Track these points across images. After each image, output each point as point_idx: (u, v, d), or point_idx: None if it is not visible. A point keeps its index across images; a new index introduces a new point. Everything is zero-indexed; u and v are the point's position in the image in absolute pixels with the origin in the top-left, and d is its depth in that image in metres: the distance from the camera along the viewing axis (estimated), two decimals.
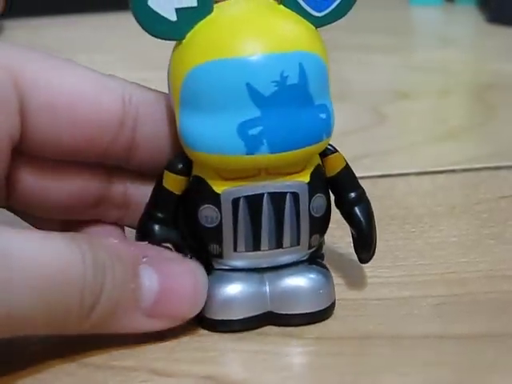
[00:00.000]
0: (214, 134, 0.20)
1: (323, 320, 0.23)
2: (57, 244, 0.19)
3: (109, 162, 0.23)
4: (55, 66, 0.22)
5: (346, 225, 0.23)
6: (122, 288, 0.19)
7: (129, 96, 0.22)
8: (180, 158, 0.22)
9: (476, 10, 0.69)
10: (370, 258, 0.24)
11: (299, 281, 0.22)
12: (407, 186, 0.33)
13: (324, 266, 0.23)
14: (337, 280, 0.24)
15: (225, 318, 0.22)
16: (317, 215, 0.22)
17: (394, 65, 0.55)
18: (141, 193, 0.24)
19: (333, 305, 0.23)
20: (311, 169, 0.22)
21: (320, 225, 0.22)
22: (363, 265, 0.24)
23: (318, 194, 0.22)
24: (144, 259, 0.20)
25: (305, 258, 0.23)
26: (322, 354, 0.22)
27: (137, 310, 0.20)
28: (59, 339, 0.21)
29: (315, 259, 0.23)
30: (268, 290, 0.22)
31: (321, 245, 0.23)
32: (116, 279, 0.19)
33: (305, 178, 0.22)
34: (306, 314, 0.22)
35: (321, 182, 0.22)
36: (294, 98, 0.20)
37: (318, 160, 0.22)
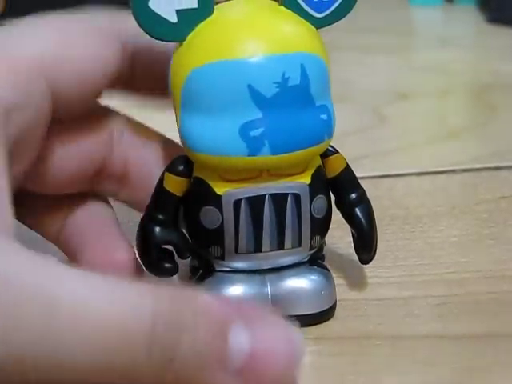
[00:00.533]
0: (216, 136, 0.20)
1: (325, 321, 0.23)
2: (123, 297, 0.18)
3: (116, 88, 0.24)
4: (68, 37, 0.22)
5: (346, 225, 0.24)
6: (206, 347, 0.19)
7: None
8: (181, 159, 0.22)
9: (476, 9, 0.69)
10: (371, 259, 0.24)
11: (301, 282, 0.22)
12: (407, 186, 0.33)
13: (325, 267, 0.23)
14: (337, 280, 0.24)
15: None
16: (318, 216, 0.22)
17: (394, 65, 0.55)
18: (141, 166, 0.24)
19: (334, 306, 0.23)
20: (312, 170, 0.22)
21: (321, 226, 0.23)
22: (363, 265, 0.24)
23: (319, 195, 0.22)
24: (237, 319, 0.19)
25: (306, 260, 0.23)
26: (322, 354, 0.22)
27: (224, 370, 0.19)
28: None
29: (316, 260, 0.23)
30: (269, 291, 0.22)
31: (321, 246, 0.23)
32: (198, 337, 0.18)
33: (306, 179, 0.22)
34: (308, 315, 0.22)
35: (322, 183, 0.22)
36: (296, 99, 0.20)
37: (318, 161, 0.22)
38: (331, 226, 0.23)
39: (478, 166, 0.35)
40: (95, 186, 0.25)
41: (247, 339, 0.19)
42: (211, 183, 0.21)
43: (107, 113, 0.24)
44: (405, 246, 0.28)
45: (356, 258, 0.24)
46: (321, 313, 0.22)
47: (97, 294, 0.18)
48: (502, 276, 0.25)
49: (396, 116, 0.44)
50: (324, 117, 0.21)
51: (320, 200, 0.22)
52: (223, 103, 0.20)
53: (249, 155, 0.20)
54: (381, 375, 0.21)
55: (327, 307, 0.23)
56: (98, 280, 0.18)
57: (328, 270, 0.23)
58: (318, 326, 0.23)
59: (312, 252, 0.23)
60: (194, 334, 0.18)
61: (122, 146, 0.24)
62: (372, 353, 0.22)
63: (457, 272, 0.26)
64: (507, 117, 0.43)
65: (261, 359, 0.19)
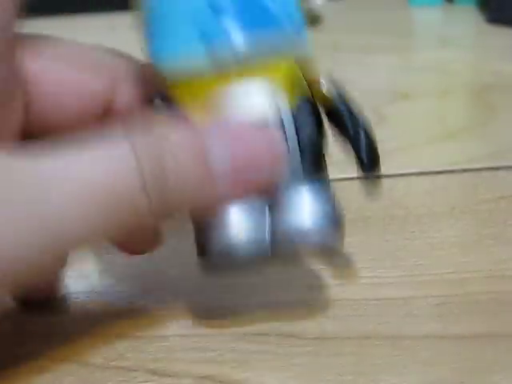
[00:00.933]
0: (179, 47, 0.21)
1: (330, 249, 0.22)
2: (103, 154, 0.19)
3: None
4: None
5: (348, 222, 0.23)
6: (189, 171, 0.19)
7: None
8: (157, 95, 0.22)
9: (476, 10, 0.70)
10: (373, 162, 0.23)
11: (302, 197, 0.21)
12: (407, 186, 0.33)
13: (327, 187, 0.22)
14: (337, 280, 0.24)
15: (226, 243, 0.21)
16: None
17: (394, 65, 0.55)
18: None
19: (340, 227, 0.22)
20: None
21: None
22: (363, 265, 0.24)
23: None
24: (215, 131, 0.20)
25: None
26: (321, 354, 0.22)
27: (213, 186, 0.20)
28: (58, 339, 0.21)
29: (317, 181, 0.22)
30: (269, 217, 0.21)
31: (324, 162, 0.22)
32: (180, 165, 0.19)
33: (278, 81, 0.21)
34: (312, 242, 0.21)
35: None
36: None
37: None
38: None
39: (477, 165, 0.35)
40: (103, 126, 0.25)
41: (227, 152, 0.20)
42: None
43: (111, 55, 0.25)
44: (405, 245, 0.28)
45: (355, 257, 0.24)
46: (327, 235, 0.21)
47: (84, 166, 0.19)
48: (502, 276, 0.25)
49: (396, 116, 0.44)
50: (288, 21, 0.21)
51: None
52: (182, 14, 0.21)
53: (213, 60, 0.20)
54: (381, 375, 0.21)
55: (331, 226, 0.21)
56: (75, 153, 0.19)
57: (330, 187, 0.22)
58: (317, 325, 0.22)
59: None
60: (176, 163, 0.19)
61: (125, 88, 0.24)
62: (372, 353, 0.22)
63: (457, 272, 0.26)
64: (507, 117, 0.43)
65: (244, 165, 0.20)
